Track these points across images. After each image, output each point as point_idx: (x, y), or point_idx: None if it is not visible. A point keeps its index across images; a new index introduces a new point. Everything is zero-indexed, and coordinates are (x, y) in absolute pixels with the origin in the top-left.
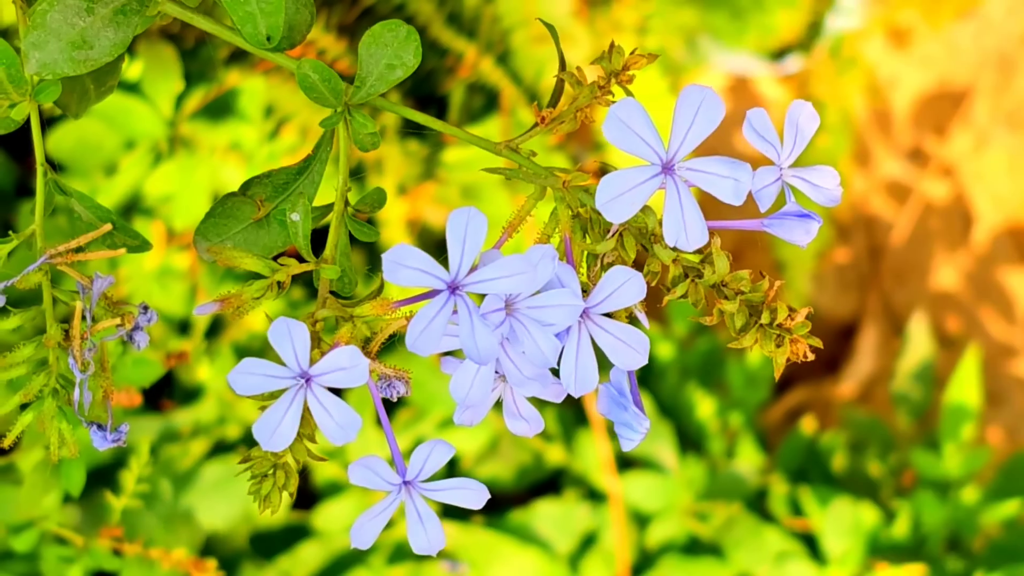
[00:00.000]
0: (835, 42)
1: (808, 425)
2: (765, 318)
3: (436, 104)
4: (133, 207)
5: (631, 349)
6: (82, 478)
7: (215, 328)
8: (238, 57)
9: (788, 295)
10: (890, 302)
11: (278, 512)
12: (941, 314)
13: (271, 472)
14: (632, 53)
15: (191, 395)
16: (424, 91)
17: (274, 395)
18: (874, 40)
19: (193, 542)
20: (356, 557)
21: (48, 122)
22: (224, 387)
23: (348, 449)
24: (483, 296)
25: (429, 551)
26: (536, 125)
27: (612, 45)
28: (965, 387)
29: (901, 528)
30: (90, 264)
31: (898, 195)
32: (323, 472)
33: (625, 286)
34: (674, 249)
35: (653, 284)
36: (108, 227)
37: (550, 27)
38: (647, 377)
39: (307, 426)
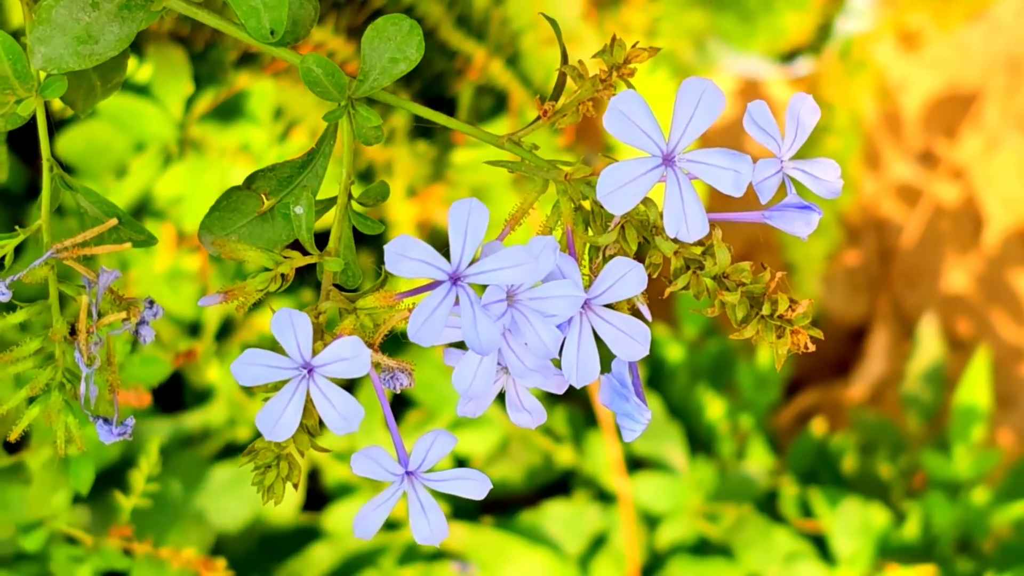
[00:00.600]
0: (845, 44)
1: (818, 427)
2: (766, 309)
3: (446, 106)
4: (143, 209)
5: (632, 340)
6: (91, 476)
7: (225, 329)
8: (248, 60)
9: (798, 297)
10: (900, 305)
11: (288, 511)
12: (952, 317)
13: (275, 463)
14: (633, 47)
15: (201, 397)
16: (434, 93)
17: (277, 386)
18: (884, 42)
19: (204, 543)
20: (367, 559)
21: (58, 124)
22: (235, 389)
23: (358, 448)
24: (485, 287)
25: (432, 541)
26: (538, 118)
27: (614, 38)
28: (975, 389)
29: (911, 529)
30: (99, 261)
31: (908, 197)
32: (334, 473)
33: (626, 277)
34: (675, 241)
35: (655, 276)
36: (114, 222)
37: (552, 21)
38: (657, 378)
39: (310, 417)
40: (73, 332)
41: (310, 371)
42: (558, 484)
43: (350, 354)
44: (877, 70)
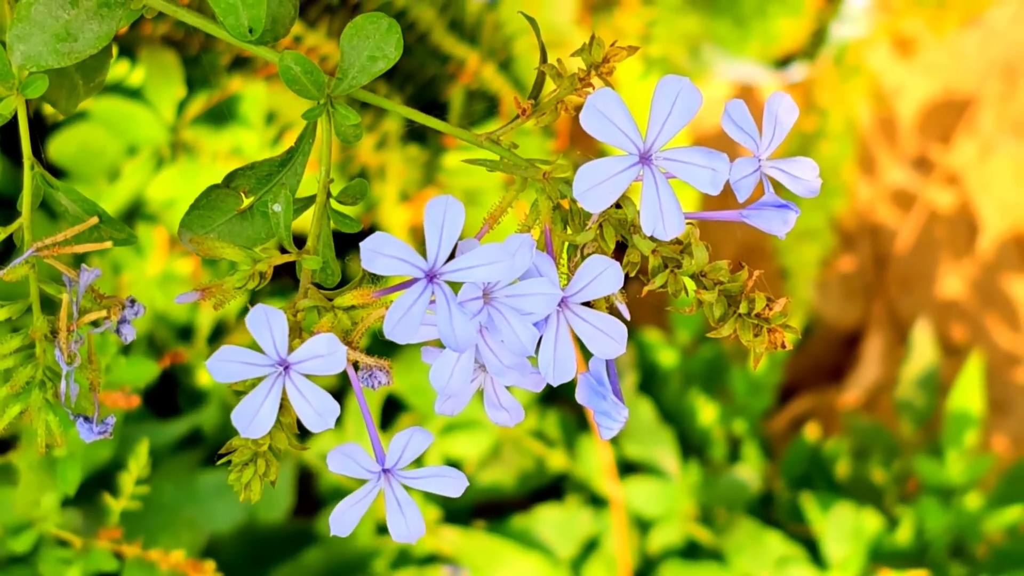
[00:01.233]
0: (840, 50)
1: (812, 432)
2: (743, 308)
3: (438, 110)
4: (136, 212)
5: (609, 338)
6: (77, 477)
7: (218, 333)
8: (240, 64)
9: (792, 303)
10: (895, 310)
11: (281, 515)
12: (947, 322)
13: (252, 461)
14: (612, 45)
15: (195, 400)
16: (427, 97)
17: (254, 383)
18: (879, 48)
19: (195, 546)
20: (360, 563)
21: (51, 128)
22: (227, 393)
23: None
24: (461, 285)
25: (409, 539)
26: (517, 117)
27: (592, 37)
28: (968, 394)
29: (904, 534)
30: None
31: (903, 203)
32: (328, 478)
33: (603, 275)
34: (653, 239)
35: (632, 275)
36: (94, 220)
37: (531, 20)
38: (650, 383)
39: (288, 415)
40: (54, 330)
41: (286, 368)
42: (550, 488)
43: (326, 351)
44: (872, 75)
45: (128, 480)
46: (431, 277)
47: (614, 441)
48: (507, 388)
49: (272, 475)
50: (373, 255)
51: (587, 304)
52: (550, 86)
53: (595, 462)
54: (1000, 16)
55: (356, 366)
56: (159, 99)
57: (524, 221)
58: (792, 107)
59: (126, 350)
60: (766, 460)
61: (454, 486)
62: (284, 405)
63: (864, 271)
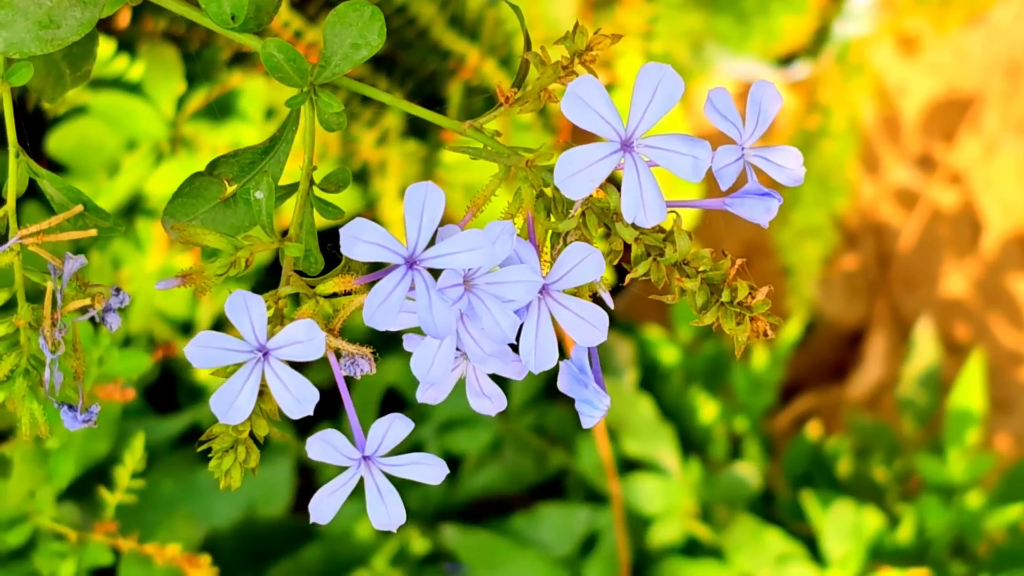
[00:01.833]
0: (843, 48)
1: (813, 430)
2: (726, 296)
3: (438, 105)
4: (135, 207)
5: (590, 326)
6: (70, 470)
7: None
8: (240, 59)
9: (794, 301)
10: (898, 309)
11: (280, 511)
12: (950, 321)
13: (232, 448)
14: (595, 33)
15: (194, 396)
16: (426, 92)
17: (233, 369)
18: (882, 46)
19: (193, 541)
20: (359, 559)
21: (51, 123)
22: None
23: None
24: (441, 271)
25: (389, 527)
26: (499, 105)
27: (576, 25)
28: (970, 392)
29: (905, 532)
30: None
31: (906, 202)
32: (328, 474)
33: (584, 262)
34: (636, 227)
35: (615, 263)
36: (79, 208)
37: (515, 8)
38: (651, 380)
39: (268, 401)
40: (39, 318)
41: (265, 354)
42: (550, 485)
43: (304, 337)
44: (875, 74)
45: (124, 474)
46: (411, 263)
47: (614, 438)
48: (489, 376)
49: (252, 462)
50: (353, 241)
51: (569, 292)
52: (535, 75)
53: (595, 459)
54: (1004, 14)
55: (338, 354)
56: (159, 94)
57: (507, 209)
58: (776, 96)
59: (124, 345)
60: (768, 458)
61: (434, 473)
62: (265, 392)
63: (867, 269)
